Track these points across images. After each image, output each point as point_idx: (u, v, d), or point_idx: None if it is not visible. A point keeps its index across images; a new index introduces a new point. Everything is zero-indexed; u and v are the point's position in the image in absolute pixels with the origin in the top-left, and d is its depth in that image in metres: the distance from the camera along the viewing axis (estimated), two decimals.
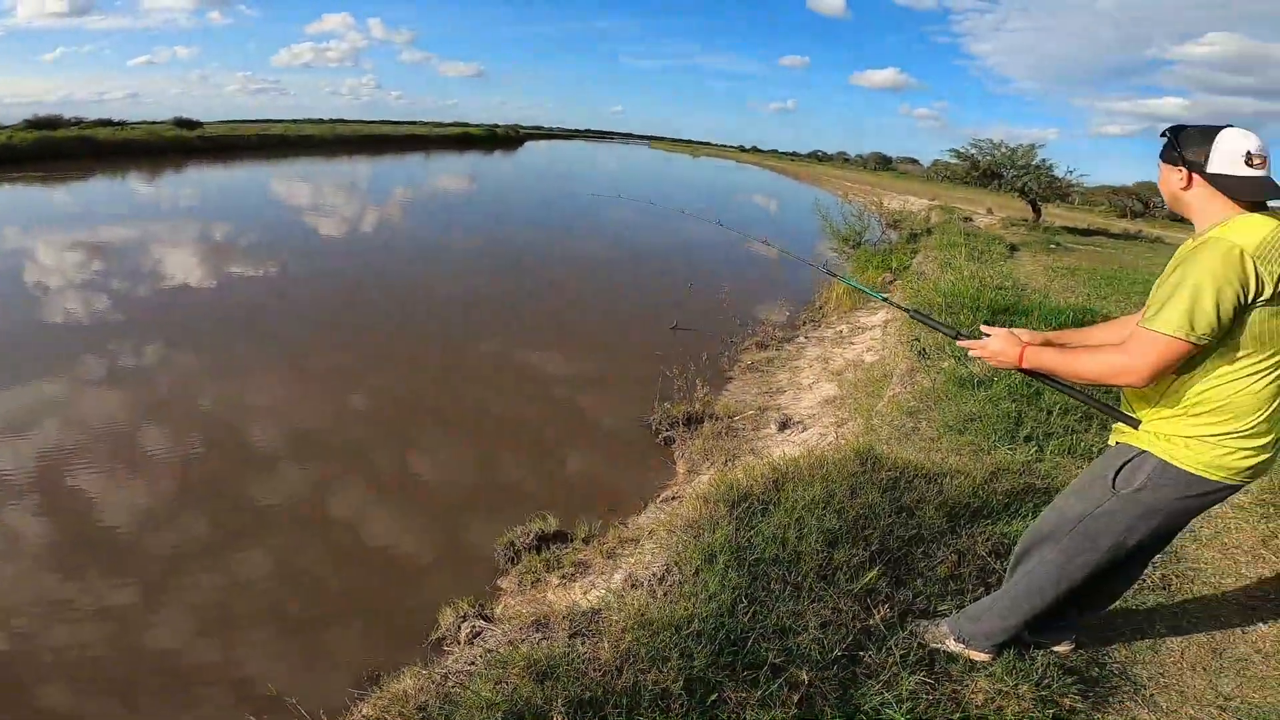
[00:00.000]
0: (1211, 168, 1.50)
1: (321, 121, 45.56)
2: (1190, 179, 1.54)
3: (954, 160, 19.05)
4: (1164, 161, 1.60)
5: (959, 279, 7.39)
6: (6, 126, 23.31)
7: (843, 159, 68.44)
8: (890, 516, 2.64)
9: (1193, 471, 1.57)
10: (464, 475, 4.78)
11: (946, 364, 4.73)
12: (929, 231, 13.07)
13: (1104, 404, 1.84)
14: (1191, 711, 2.02)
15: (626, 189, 26.38)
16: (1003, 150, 17.54)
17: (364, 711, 2.00)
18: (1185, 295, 1.45)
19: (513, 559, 3.75)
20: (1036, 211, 18.48)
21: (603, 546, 3.73)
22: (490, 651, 2.15)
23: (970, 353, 1.84)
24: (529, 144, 58.64)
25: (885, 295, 2.56)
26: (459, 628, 3.08)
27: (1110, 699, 2.04)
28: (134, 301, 8.02)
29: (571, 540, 3.84)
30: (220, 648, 3.15)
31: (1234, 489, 1.61)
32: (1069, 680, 2.00)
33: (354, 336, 7.23)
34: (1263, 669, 2.18)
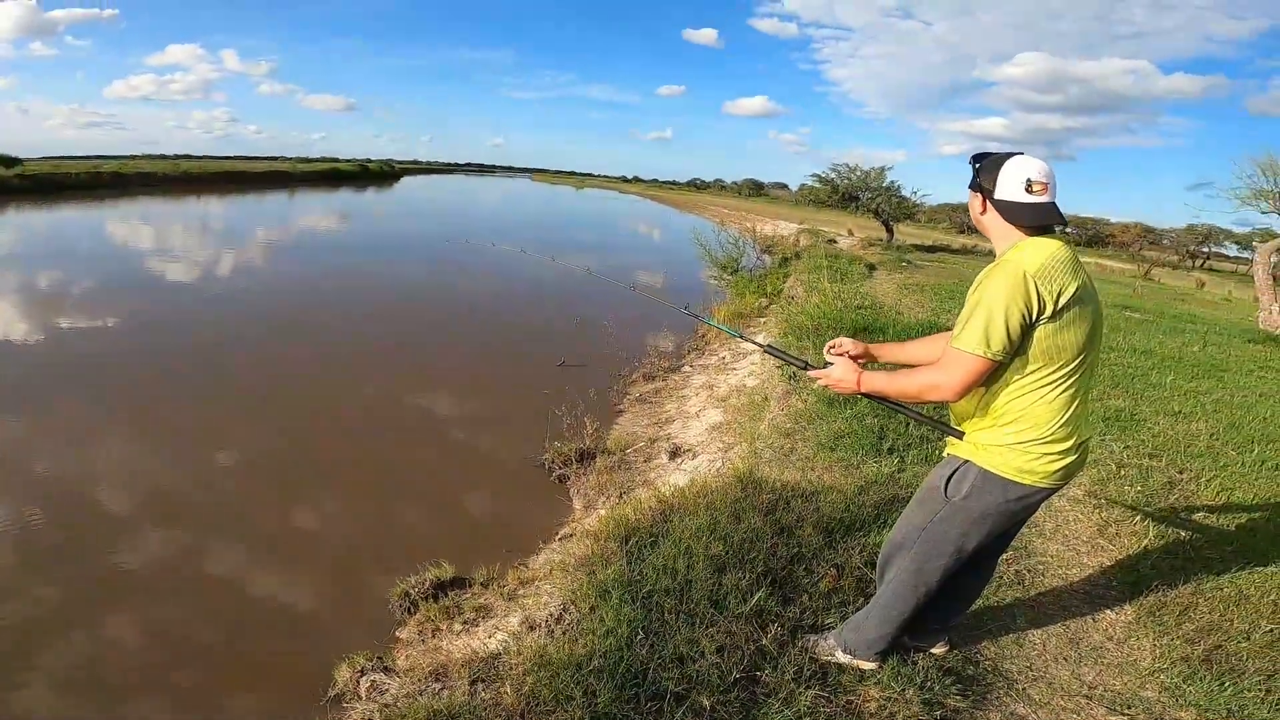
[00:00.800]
0: (998, 194, 1.70)
1: (164, 157, 41.78)
2: (985, 204, 1.74)
3: (817, 184, 20.68)
4: (970, 187, 1.79)
5: (824, 301, 7.98)
6: None
7: (719, 186, 72.13)
8: (772, 538, 2.76)
9: (1007, 477, 1.75)
10: (352, 526, 4.52)
11: (816, 386, 5.07)
12: (798, 255, 14.02)
13: (932, 419, 2.04)
14: (1062, 702, 2.16)
15: (507, 228, 26.22)
16: (858, 173, 19.29)
17: None
18: (981, 316, 1.63)
19: (410, 609, 3.60)
20: (889, 231, 20.40)
21: (503, 589, 3.65)
22: (388, 706, 2.07)
23: (817, 383, 1.98)
24: (405, 179, 56.81)
25: (739, 332, 2.73)
26: (357, 682, 2.93)
27: (988, 696, 2.18)
28: None
29: (470, 585, 3.73)
30: (94, 713, 2.85)
31: (1049, 491, 1.79)
32: (949, 681, 2.13)
33: (215, 389, 6.63)
34: (1117, 655, 2.40)
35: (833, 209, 23.55)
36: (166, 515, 4.38)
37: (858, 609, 2.32)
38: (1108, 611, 2.64)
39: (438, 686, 2.21)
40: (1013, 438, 1.72)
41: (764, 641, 2.22)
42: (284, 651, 3.37)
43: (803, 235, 20.57)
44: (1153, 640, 2.45)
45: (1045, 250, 1.64)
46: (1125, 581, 2.82)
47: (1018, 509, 1.80)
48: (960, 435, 1.86)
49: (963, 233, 34.12)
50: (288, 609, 3.69)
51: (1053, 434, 1.70)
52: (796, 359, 2.18)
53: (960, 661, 2.26)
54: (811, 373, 2.01)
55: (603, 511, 4.65)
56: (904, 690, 2.05)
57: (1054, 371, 1.67)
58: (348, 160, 53.49)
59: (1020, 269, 1.60)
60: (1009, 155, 1.72)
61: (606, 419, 6.05)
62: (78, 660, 3.13)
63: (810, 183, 21.37)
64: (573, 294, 12.49)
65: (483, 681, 2.15)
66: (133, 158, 38.11)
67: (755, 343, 2.57)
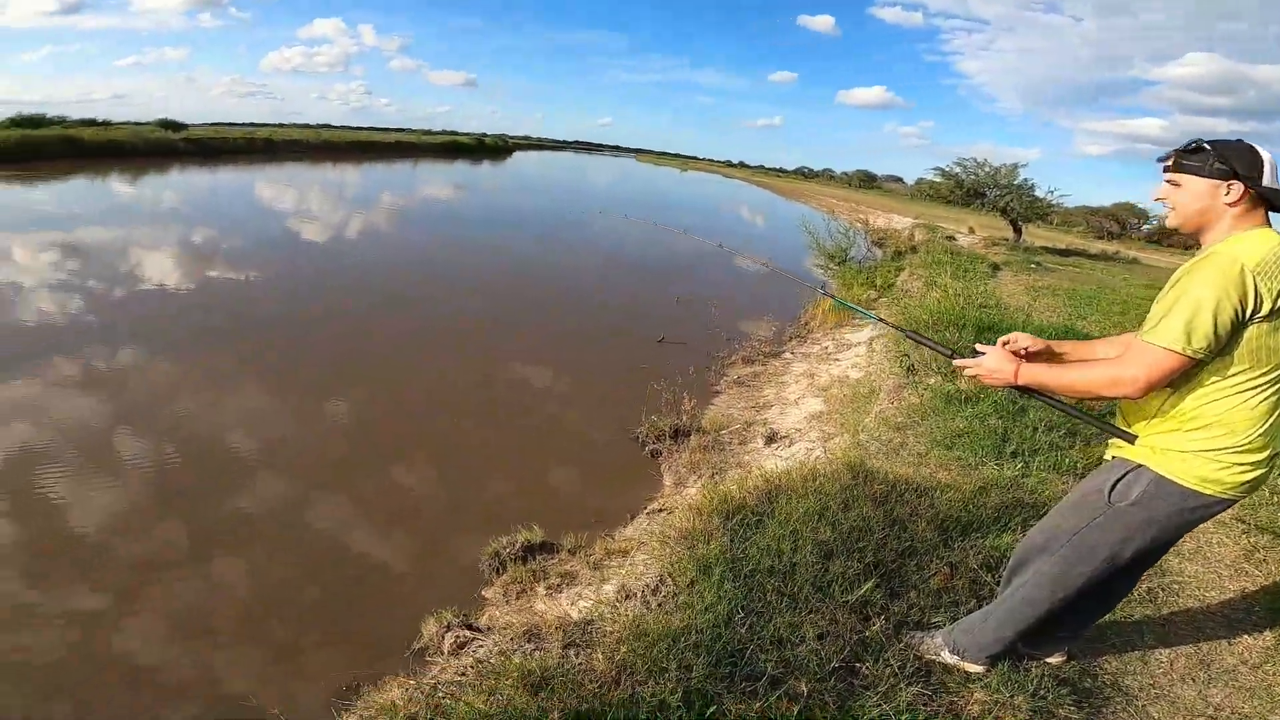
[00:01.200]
0: (1266, 181, 1.51)
1: (308, 126, 45.36)
2: (1244, 193, 1.52)
3: (939, 179, 19.42)
4: (1200, 175, 1.56)
5: (945, 297, 7.47)
6: None
7: (828, 176, 69.46)
8: (884, 529, 2.65)
9: (1189, 486, 1.58)
10: (447, 487, 4.70)
11: (933, 380, 4.78)
12: (913, 249, 13.25)
13: (1099, 419, 1.86)
14: None
15: (618, 203, 26.50)
16: (986, 170, 17.92)
17: None
18: (1184, 309, 1.46)
19: (498, 570, 3.69)
20: (1017, 231, 18.84)
21: (589, 558, 3.70)
22: (481, 662, 2.12)
23: (965, 372, 1.84)
24: (518, 154, 58.74)
25: (879, 316, 2.60)
26: (442, 637, 3.01)
27: (1104, 710, 2.06)
28: (110, 303, 7.84)
29: (558, 551, 3.80)
30: (192, 657, 3.07)
31: (1229, 503, 1.62)
32: (1063, 691, 2.02)
33: (332, 346, 7.12)
34: (1250, 679, 2.23)
35: (953, 205, 22.05)
36: (280, 463, 4.73)
37: (969, 610, 2.25)
38: (1245, 636, 2.48)
39: (530, 646, 2.23)
40: (1202, 444, 1.57)
41: (867, 633, 2.14)
42: (370, 601, 3.55)
43: (918, 230, 19.41)
44: None
45: (1267, 242, 1.47)
46: (1269, 608, 2.66)
47: (1191, 519, 1.66)
48: (1132, 439, 1.69)
49: (1101, 238, 30.99)
50: (377, 561, 3.88)
51: (1249, 443, 1.54)
52: (941, 346, 2.08)
53: (1077, 673, 2.17)
54: (959, 361, 1.88)
55: (693, 490, 4.60)
56: (1013, 696, 1.95)
57: (1260, 375, 1.51)
58: (466, 134, 55.79)
59: (1237, 262, 1.44)
60: (1244, 142, 1.54)
61: (703, 398, 5.98)
62: (186, 598, 3.41)
63: (931, 177, 20.10)
64: (674, 273, 12.46)
65: (575, 646, 2.16)
66: (282, 126, 41.73)
67: (896, 327, 2.42)
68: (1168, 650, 2.35)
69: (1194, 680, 2.22)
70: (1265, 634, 2.46)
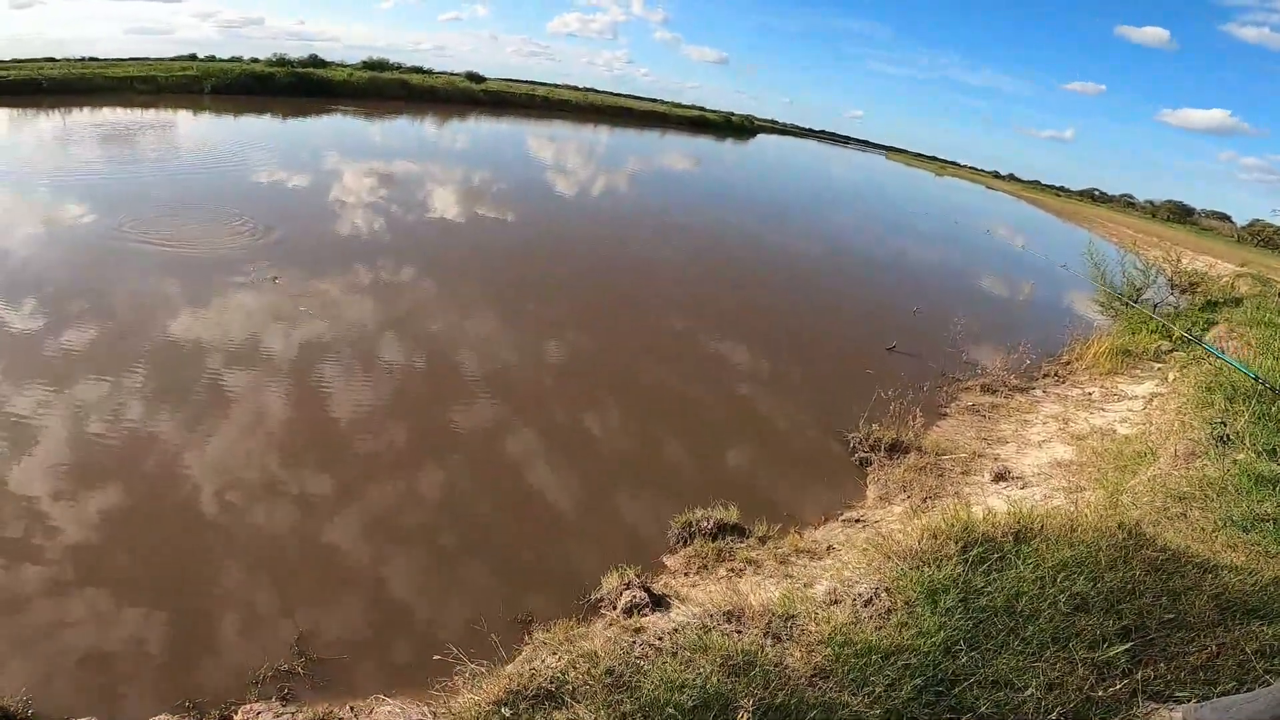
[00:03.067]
0: None
1: (576, 89, 49.47)
2: None
3: None
4: None
5: (1278, 364, 5.87)
6: (348, 65, 28.77)
7: (1125, 202, 58.32)
8: (1153, 596, 2.36)
9: None
10: (635, 445, 4.82)
11: (1243, 456, 3.82)
12: (1236, 301, 10.59)
13: None
14: None
15: (851, 200, 25.09)
16: None
17: (548, 661, 2.09)
18: None
19: (685, 540, 3.71)
20: None
21: (777, 550, 3.59)
22: (679, 631, 2.15)
23: None
24: (761, 136, 58.10)
25: (1262, 377, 2.14)
26: (619, 594, 3.06)
27: None
28: (398, 227, 9.34)
29: (748, 536, 3.74)
30: (379, 559, 3.37)
31: None
32: None
33: (561, 291, 7.71)
34: None
35: None
36: (496, 389, 5.17)
37: (1225, 693, 2.04)
38: None
39: (730, 627, 2.21)
40: None
41: (1099, 693, 1.96)
42: (552, 541, 3.71)
43: (1243, 280, 15.51)
44: None
45: None
46: None
47: None
48: None
49: None
50: (564, 503, 4.05)
51: None
52: None
53: None
54: None
55: (899, 508, 4.22)
56: None
57: None
58: (714, 111, 56.52)
59: None
60: None
61: (929, 418, 5.43)
62: (389, 497, 3.81)
63: (1277, 220, 15.83)
64: (913, 282, 11.46)
65: (775, 637, 2.12)
66: (556, 86, 46.30)
67: None
68: None
69: None
70: None
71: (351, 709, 2.43)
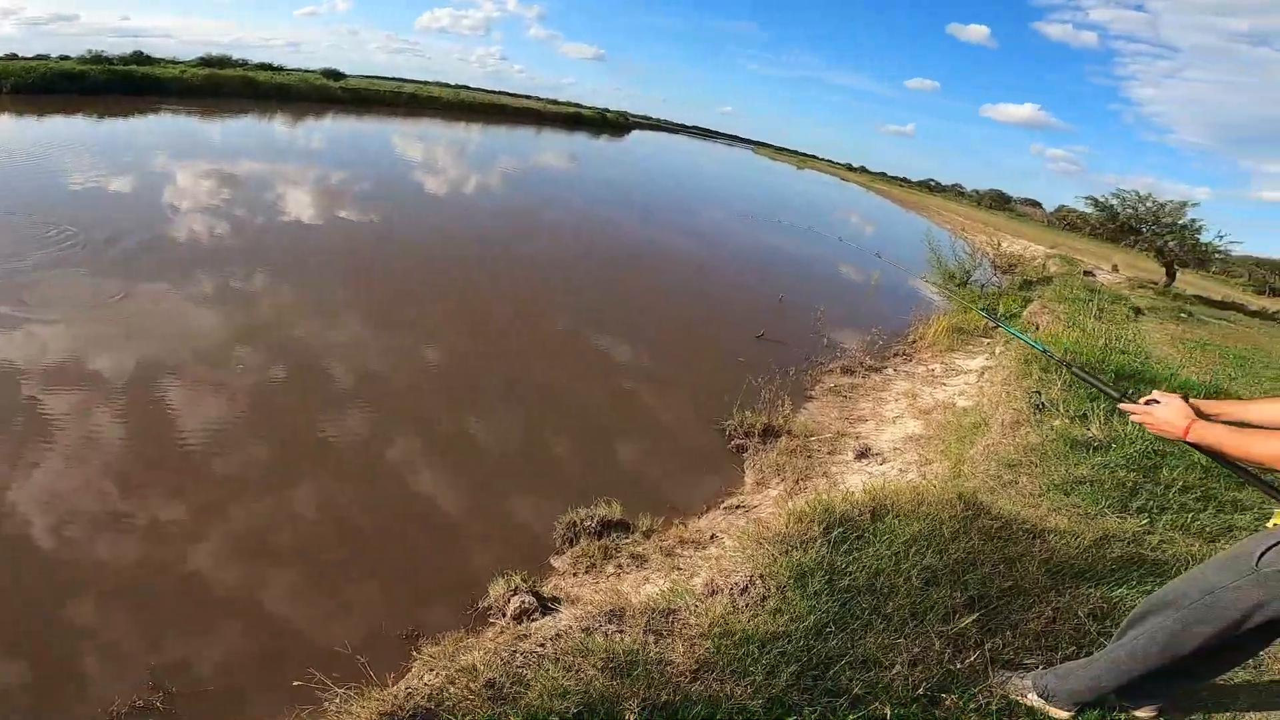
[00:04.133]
0: None
1: (447, 85, 47.61)
2: None
3: (1089, 209, 17.81)
4: None
5: (1084, 336, 6.83)
6: (181, 62, 25.66)
7: (956, 191, 65.27)
8: (993, 565, 2.57)
9: None
10: (521, 447, 4.74)
11: (1059, 422, 4.39)
12: (1047, 280, 12.22)
13: (1270, 485, 1.76)
14: None
15: (718, 197, 26.09)
16: (1149, 205, 16.19)
17: (426, 679, 2.00)
18: None
19: (570, 540, 3.70)
20: (1170, 275, 16.99)
21: (662, 543, 3.67)
22: (562, 635, 2.12)
23: (1132, 418, 1.80)
24: (635, 132, 59.01)
25: (1046, 347, 2.44)
26: (507, 601, 3.01)
27: None
28: (246, 231, 8.56)
29: (632, 532, 3.78)
30: (255, 581, 3.14)
31: None
32: None
33: (435, 292, 7.44)
34: None
35: (1098, 238, 20.21)
36: (370, 397, 4.90)
37: (1066, 657, 2.20)
38: None
39: (613, 627, 2.23)
40: None
41: (957, 665, 2.10)
42: (436, 550, 3.58)
43: (1053, 261, 17.91)
44: None
45: None
46: None
47: None
48: None
49: (1262, 293, 27.40)
50: (447, 510, 3.92)
51: None
52: (1109, 387, 2.03)
53: None
54: (1126, 406, 1.84)
55: (775, 492, 4.47)
56: None
57: None
58: (589, 107, 56.69)
59: None
60: None
61: (796, 402, 5.79)
62: (256, 518, 3.54)
63: (1079, 206, 18.46)
64: (776, 272, 12.13)
65: (657, 634, 2.15)
66: (425, 84, 44.19)
67: (1068, 364, 2.34)
68: (1258, 716, 2.25)
69: None
70: None
71: None
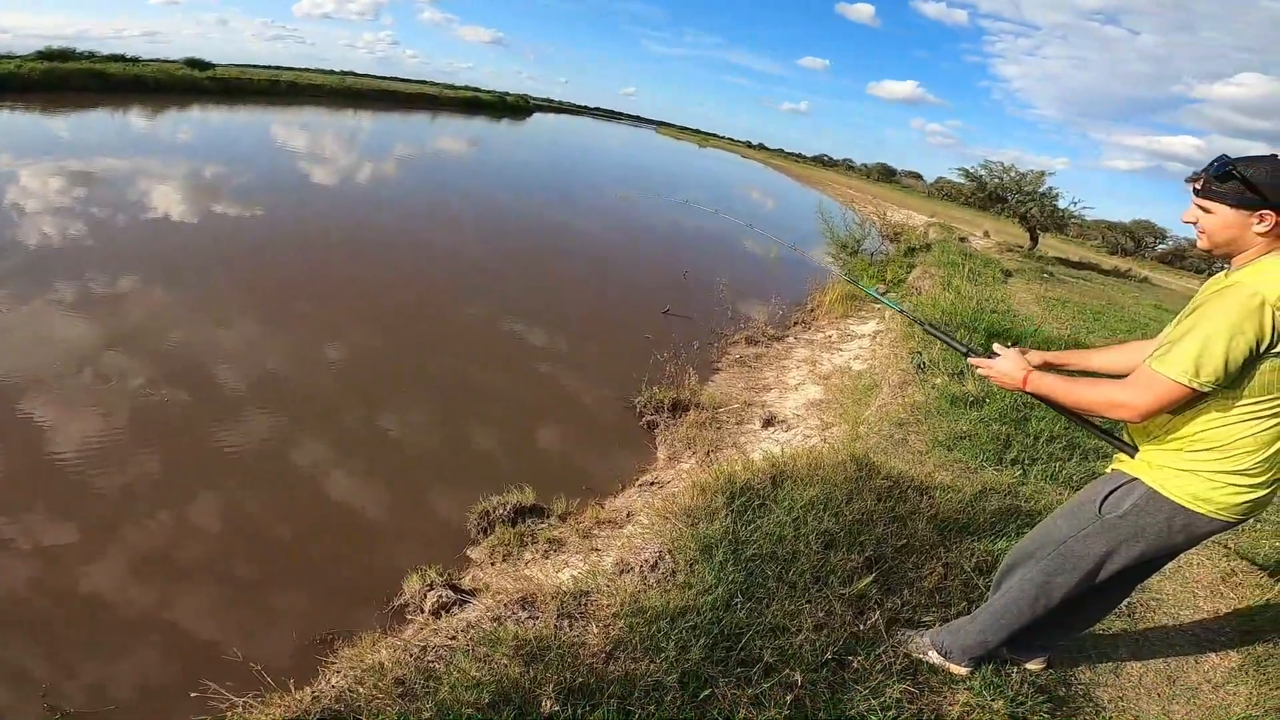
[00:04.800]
0: None
1: (332, 73, 44.56)
2: (1276, 223, 1.44)
3: (961, 180, 19.20)
4: (1229, 204, 1.49)
5: (958, 298, 7.41)
6: (16, 56, 22.51)
7: (847, 166, 68.59)
8: (885, 524, 2.65)
9: (1180, 502, 1.58)
10: (435, 440, 4.62)
11: (940, 380, 4.74)
12: (927, 247, 13.11)
13: (1102, 430, 1.85)
14: None
15: (629, 177, 26.11)
16: (1011, 175, 17.67)
17: (333, 681, 1.92)
18: (1195, 340, 1.43)
19: (485, 530, 3.64)
20: (1034, 239, 18.66)
21: (579, 525, 3.68)
22: (474, 626, 2.09)
23: (977, 370, 1.87)
24: (537, 115, 57.81)
25: (902, 306, 2.57)
26: (424, 596, 2.97)
27: (1075, 718, 2.09)
28: (108, 231, 7.72)
29: (548, 516, 3.77)
30: (159, 598, 2.98)
31: (1219, 526, 1.60)
32: (1040, 699, 2.05)
33: (334, 286, 7.05)
34: (1211, 698, 2.29)
35: (971, 207, 21.89)
36: (269, 400, 4.61)
37: (959, 612, 2.27)
38: (1212, 655, 2.54)
39: (524, 614, 2.20)
40: (1200, 464, 1.55)
41: (860, 627, 2.15)
42: (349, 551, 3.46)
43: (933, 229, 19.21)
44: (1251, 688, 2.33)
45: None
46: (1237, 630, 2.69)
47: (1179, 540, 1.64)
48: (1132, 452, 1.70)
49: (1115, 253, 30.71)
50: (358, 510, 3.79)
51: (1250, 468, 1.52)
52: (958, 342, 2.06)
53: (1054, 681, 2.20)
54: (973, 359, 1.90)
55: (687, 465, 4.60)
56: (992, 700, 1.99)
57: (1269, 404, 1.47)
58: (488, 91, 54.88)
59: (1258, 295, 1.39)
60: (1277, 159, 1.46)
61: (703, 374, 5.96)
62: (155, 534, 3.31)
63: (953, 177, 19.94)
64: (681, 248, 12.33)
65: (570, 617, 2.13)
66: (306, 70, 41.06)
67: (919, 320, 2.40)
68: (1139, 664, 2.41)
69: (1159, 695, 2.29)
70: (1231, 655, 2.52)
71: None
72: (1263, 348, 1.40)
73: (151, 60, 29.03)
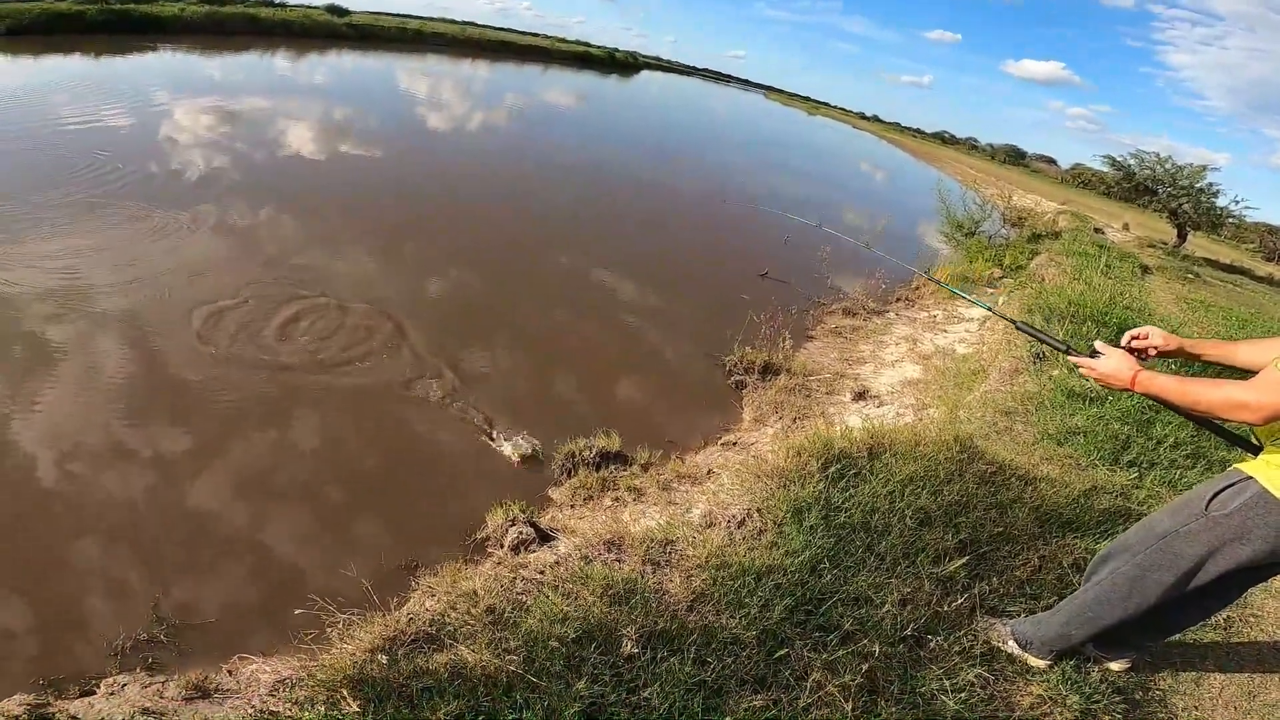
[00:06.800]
0: None
1: (454, 22, 45.90)
2: None
3: (1105, 168, 17.42)
4: None
5: (1089, 290, 6.81)
6: (180, 0, 24.56)
7: (970, 145, 63.70)
8: (984, 509, 2.57)
9: None
10: (523, 380, 4.71)
11: (1057, 372, 4.43)
12: (1056, 235, 12.06)
13: (1229, 433, 1.76)
14: None
15: (735, 144, 25.44)
16: (1167, 165, 15.85)
17: (428, 605, 2.05)
18: None
19: (569, 471, 3.71)
20: (1181, 237, 16.76)
21: (659, 477, 3.69)
22: (562, 563, 2.17)
23: (1079, 370, 1.75)
24: (645, 73, 57.14)
25: (989, 305, 2.45)
26: (505, 531, 3.02)
27: None
28: (250, 165, 8.40)
29: (630, 464, 3.81)
30: (255, 517, 3.13)
31: None
32: (1115, 699, 1.99)
33: (444, 227, 7.37)
34: None
35: (1111, 198, 19.86)
36: (377, 330, 4.82)
37: (1047, 606, 2.20)
38: None
39: (611, 556, 2.26)
40: None
41: (944, 608, 2.11)
42: (435, 482, 3.58)
43: (1063, 216, 17.64)
44: None
45: None
46: None
47: None
48: (1256, 450, 1.60)
49: (1272, 259, 27.11)
50: (444, 442, 3.89)
51: None
52: (1056, 340, 1.96)
53: (1133, 684, 2.12)
54: (1074, 359, 1.77)
55: (772, 429, 4.54)
56: (1066, 695, 1.94)
57: None
58: (598, 47, 54.70)
59: None
60: None
61: (797, 341, 5.82)
62: (260, 454, 3.51)
63: (1095, 164, 18.07)
64: (790, 215, 11.97)
65: (655, 564, 2.17)
66: (431, 19, 42.63)
67: (1005, 317, 2.27)
68: (1223, 677, 2.30)
69: (1236, 709, 2.19)
70: None
71: (228, 672, 2.31)
72: None
73: (296, 5, 31.11)
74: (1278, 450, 1.53)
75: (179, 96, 11.79)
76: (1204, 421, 1.75)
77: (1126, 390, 1.64)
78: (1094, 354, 1.72)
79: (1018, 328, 2.10)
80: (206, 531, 3.03)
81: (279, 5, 29.55)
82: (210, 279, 5.11)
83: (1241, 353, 1.77)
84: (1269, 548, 1.53)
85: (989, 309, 2.41)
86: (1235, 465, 1.63)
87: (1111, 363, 1.67)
